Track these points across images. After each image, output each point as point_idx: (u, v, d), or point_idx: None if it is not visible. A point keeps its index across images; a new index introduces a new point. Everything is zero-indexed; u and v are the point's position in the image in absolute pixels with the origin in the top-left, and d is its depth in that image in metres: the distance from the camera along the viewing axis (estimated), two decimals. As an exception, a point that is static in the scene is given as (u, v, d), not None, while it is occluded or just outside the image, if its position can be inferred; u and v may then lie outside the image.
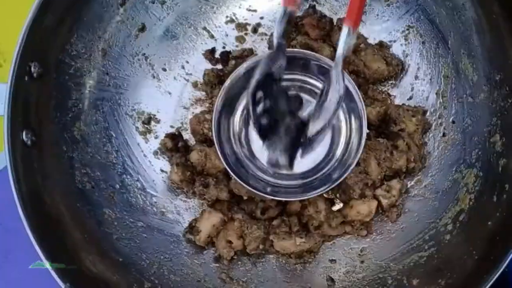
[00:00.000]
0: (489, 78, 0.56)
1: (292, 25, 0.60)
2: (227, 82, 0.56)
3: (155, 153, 0.61)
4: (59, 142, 0.56)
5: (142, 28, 0.61)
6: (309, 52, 0.56)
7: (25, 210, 0.50)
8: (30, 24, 0.51)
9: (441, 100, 0.59)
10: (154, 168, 0.61)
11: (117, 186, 0.60)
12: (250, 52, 0.61)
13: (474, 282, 0.49)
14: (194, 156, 0.58)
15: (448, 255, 0.54)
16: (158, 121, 0.62)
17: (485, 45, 0.56)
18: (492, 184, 0.54)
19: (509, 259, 0.47)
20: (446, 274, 0.53)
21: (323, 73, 0.56)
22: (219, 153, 0.55)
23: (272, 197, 0.55)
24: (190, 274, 0.58)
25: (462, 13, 0.57)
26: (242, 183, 0.54)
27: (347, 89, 0.54)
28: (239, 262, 0.59)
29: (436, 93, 0.60)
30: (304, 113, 0.54)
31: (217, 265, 0.58)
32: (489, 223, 0.52)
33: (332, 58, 0.58)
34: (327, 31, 0.60)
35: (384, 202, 0.57)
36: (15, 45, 0.51)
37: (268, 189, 0.56)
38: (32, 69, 0.52)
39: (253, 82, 0.50)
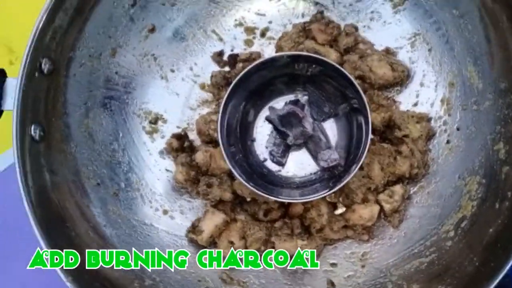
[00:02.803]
0: (494, 87, 0.56)
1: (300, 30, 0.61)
2: (234, 84, 0.56)
3: (161, 152, 0.62)
4: (67, 139, 0.57)
5: (152, 29, 0.62)
6: (315, 56, 0.56)
7: (30, 204, 0.50)
8: (42, 23, 0.52)
9: (446, 107, 0.60)
10: (159, 168, 0.62)
11: (123, 184, 0.60)
12: (258, 55, 0.62)
13: (474, 288, 0.49)
14: (199, 157, 0.59)
15: (449, 262, 0.54)
16: (165, 121, 0.63)
17: (490, 53, 0.56)
18: (495, 192, 0.53)
19: (509, 266, 0.47)
20: (446, 280, 0.52)
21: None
22: (224, 154, 0.55)
23: (275, 199, 0.55)
24: (191, 273, 0.58)
25: (469, 21, 0.57)
26: (246, 184, 0.54)
27: (354, 93, 0.55)
28: (241, 263, 0.59)
29: (441, 100, 0.60)
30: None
31: (219, 265, 0.59)
32: (491, 230, 0.52)
33: (338, 62, 0.59)
34: (334, 36, 0.61)
35: (387, 207, 0.57)
36: (27, 41, 0.52)
37: (272, 191, 0.56)
38: (43, 65, 0.53)
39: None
